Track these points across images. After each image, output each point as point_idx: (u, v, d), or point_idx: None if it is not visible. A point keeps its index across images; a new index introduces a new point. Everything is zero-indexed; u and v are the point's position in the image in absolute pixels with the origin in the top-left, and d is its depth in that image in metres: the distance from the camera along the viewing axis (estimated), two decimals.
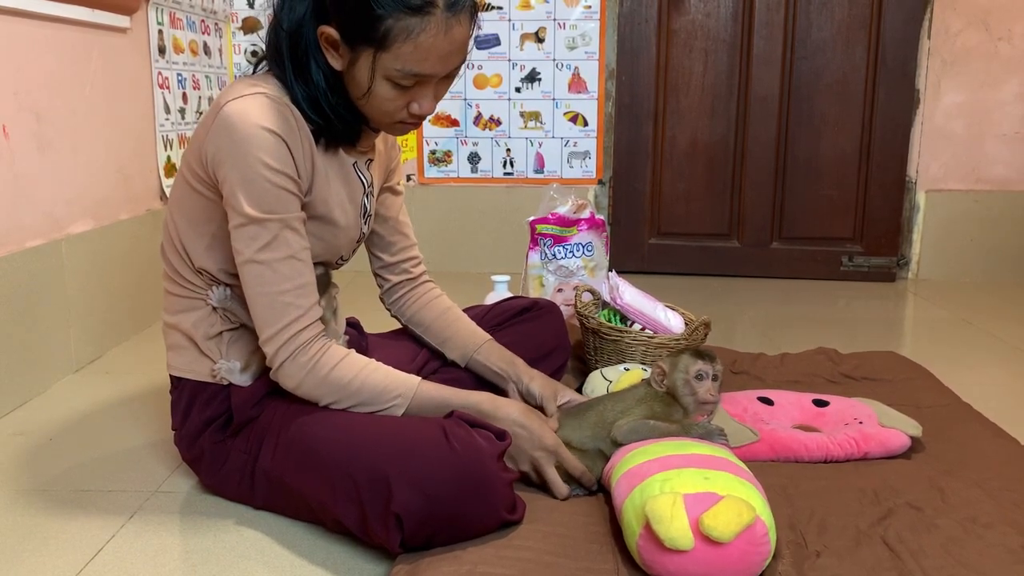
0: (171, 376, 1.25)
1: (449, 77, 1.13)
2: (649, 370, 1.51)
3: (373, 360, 1.17)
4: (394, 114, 1.13)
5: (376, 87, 1.09)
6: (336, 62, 1.11)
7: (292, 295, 1.11)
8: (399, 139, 1.40)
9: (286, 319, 1.10)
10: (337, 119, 1.15)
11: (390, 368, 1.17)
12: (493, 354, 1.38)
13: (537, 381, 1.34)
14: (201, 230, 1.18)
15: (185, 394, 1.23)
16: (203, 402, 1.21)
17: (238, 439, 1.20)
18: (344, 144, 1.21)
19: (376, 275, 1.45)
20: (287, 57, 1.12)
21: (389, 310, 1.47)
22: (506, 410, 1.16)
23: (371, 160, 1.29)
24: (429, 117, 2.77)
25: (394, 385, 1.14)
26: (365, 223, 1.31)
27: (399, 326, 1.50)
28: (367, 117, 1.17)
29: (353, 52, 1.08)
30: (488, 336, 1.41)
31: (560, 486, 1.17)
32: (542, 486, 1.19)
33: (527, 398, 1.34)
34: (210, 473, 1.24)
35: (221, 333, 1.22)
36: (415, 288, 1.44)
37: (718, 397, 1.23)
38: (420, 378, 1.17)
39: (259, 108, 1.08)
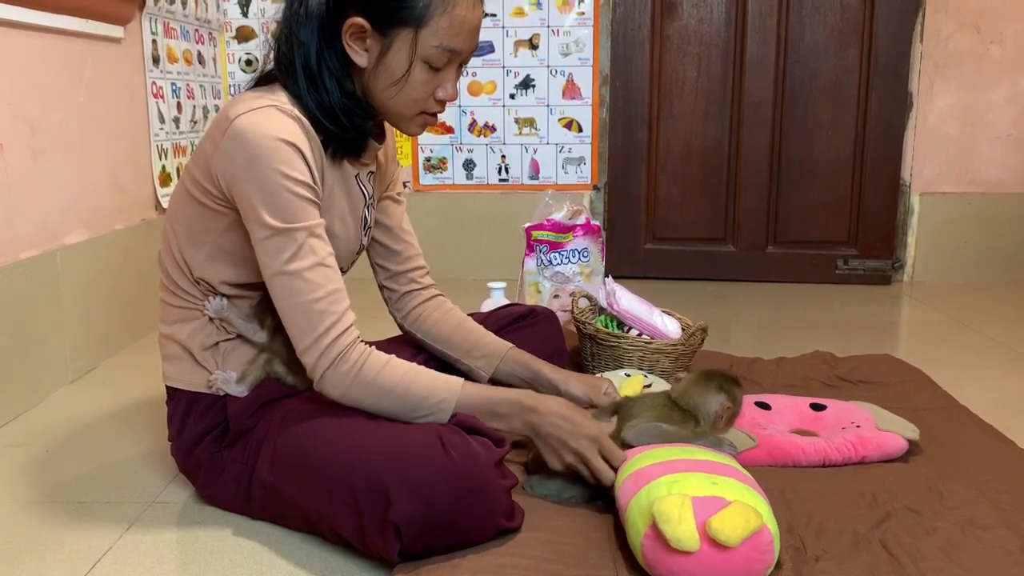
0: (167, 387, 1.25)
1: (463, 64, 1.19)
2: (649, 375, 1.52)
3: (414, 364, 1.16)
4: (423, 102, 1.16)
5: (414, 71, 1.12)
6: (361, 58, 1.13)
7: (325, 302, 1.09)
8: (397, 142, 1.39)
9: (322, 327, 1.09)
10: (352, 126, 1.15)
11: (432, 371, 1.16)
12: (519, 361, 1.38)
13: (574, 382, 1.34)
14: (201, 240, 1.17)
15: (181, 404, 1.22)
16: (199, 412, 1.21)
17: (235, 449, 1.20)
18: (352, 154, 1.21)
19: (382, 287, 1.43)
20: (299, 67, 1.12)
21: (401, 325, 1.45)
22: (548, 403, 1.17)
23: (372, 172, 1.30)
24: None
25: (439, 388, 1.13)
26: (365, 235, 1.31)
27: (396, 332, 1.49)
28: (390, 113, 1.18)
29: (387, 38, 1.11)
30: (510, 344, 1.41)
31: (607, 472, 1.14)
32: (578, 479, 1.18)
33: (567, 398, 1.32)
34: (207, 483, 1.24)
35: (217, 344, 1.21)
36: (428, 301, 1.43)
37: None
38: (462, 379, 1.16)
39: (271, 120, 1.08)
